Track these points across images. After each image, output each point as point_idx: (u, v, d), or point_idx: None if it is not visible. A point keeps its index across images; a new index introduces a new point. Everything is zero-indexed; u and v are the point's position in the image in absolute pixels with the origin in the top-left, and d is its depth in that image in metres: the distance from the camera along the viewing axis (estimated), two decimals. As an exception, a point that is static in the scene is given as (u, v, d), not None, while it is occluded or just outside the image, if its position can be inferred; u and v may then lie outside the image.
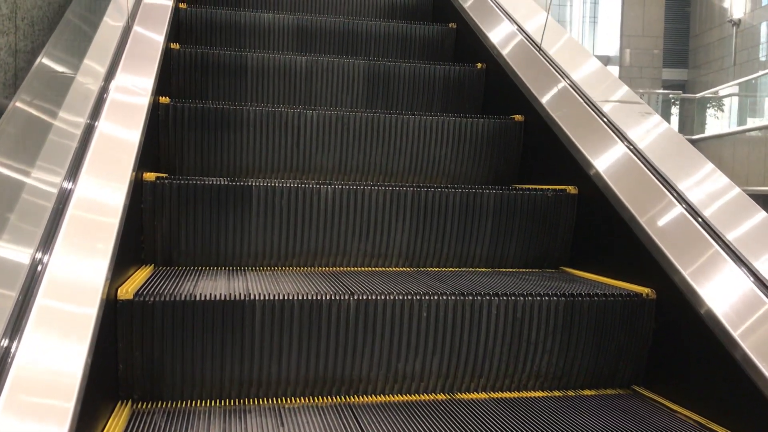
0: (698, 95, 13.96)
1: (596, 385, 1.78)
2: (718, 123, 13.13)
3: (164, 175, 1.99)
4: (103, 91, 1.90)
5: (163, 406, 1.54)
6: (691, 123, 13.20)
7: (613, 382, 1.79)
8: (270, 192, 2.01)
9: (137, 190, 1.85)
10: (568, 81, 2.45)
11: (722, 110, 13.16)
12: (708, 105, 13.65)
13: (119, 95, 1.93)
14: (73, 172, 1.53)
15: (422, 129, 2.52)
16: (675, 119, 13.63)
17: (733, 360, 1.47)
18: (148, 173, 1.94)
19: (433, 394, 1.69)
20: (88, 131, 1.70)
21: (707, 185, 1.89)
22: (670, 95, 14.31)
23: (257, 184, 2.00)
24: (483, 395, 1.70)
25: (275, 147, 2.43)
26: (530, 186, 2.26)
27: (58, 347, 1.14)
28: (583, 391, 1.76)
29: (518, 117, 2.61)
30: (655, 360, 1.76)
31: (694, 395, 1.62)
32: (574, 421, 1.53)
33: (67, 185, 1.49)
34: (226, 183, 1.98)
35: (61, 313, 1.20)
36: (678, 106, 13.96)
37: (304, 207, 2.03)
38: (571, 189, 2.19)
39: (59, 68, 1.84)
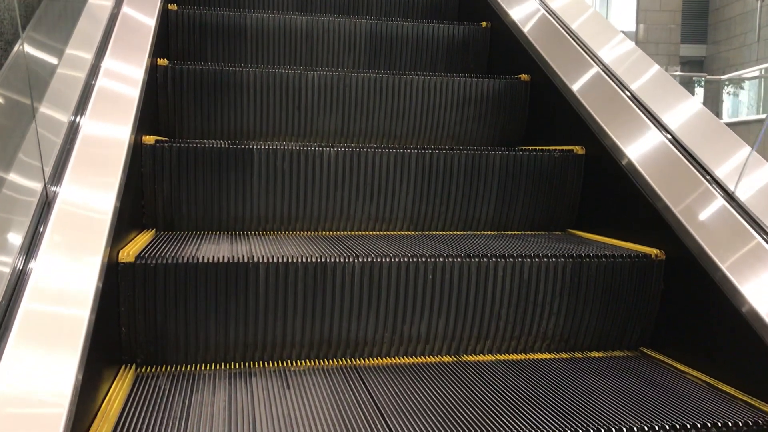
0: (725, 77, 12.81)
1: (604, 347, 1.77)
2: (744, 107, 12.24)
3: (164, 138, 1.95)
4: (100, 51, 1.86)
5: (168, 369, 1.53)
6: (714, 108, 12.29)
7: (621, 344, 1.77)
8: (272, 155, 1.97)
9: (137, 153, 1.81)
10: (575, 40, 2.39)
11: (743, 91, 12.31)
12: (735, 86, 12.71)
13: (115, 57, 1.89)
14: (69, 137, 1.50)
15: (426, 90, 2.47)
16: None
17: (743, 320, 1.45)
18: (148, 136, 1.90)
19: (439, 356, 1.68)
20: (86, 92, 1.67)
21: (719, 145, 1.85)
22: (693, 78, 12.98)
23: (258, 147, 1.96)
24: (489, 357, 1.69)
25: (276, 110, 2.38)
26: (536, 147, 2.22)
27: (58, 310, 1.12)
28: (590, 353, 1.74)
29: (524, 76, 2.56)
30: (664, 322, 1.74)
31: (702, 356, 1.61)
32: (582, 383, 1.52)
33: (65, 148, 1.46)
34: (226, 146, 1.95)
35: (60, 275, 1.17)
36: (702, 87, 12.78)
37: (307, 170, 2.00)
38: (579, 149, 2.15)
39: (55, 29, 1.80)
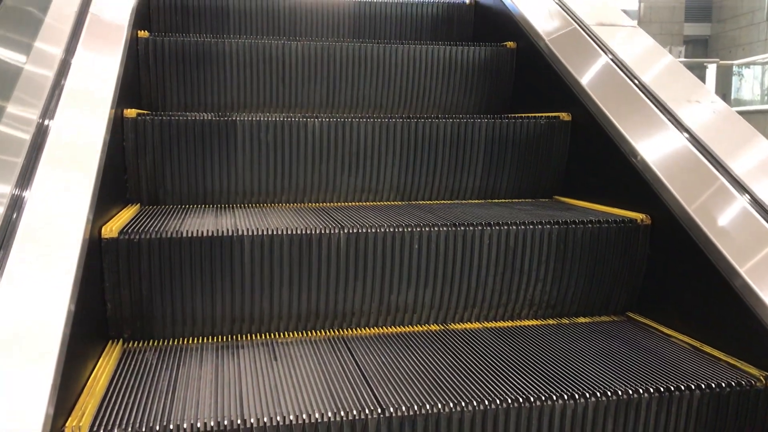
0: (737, 61, 11.66)
1: (591, 312, 1.78)
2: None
3: (146, 112, 1.93)
4: (77, 25, 1.82)
5: (155, 344, 1.52)
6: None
7: (608, 309, 1.78)
8: (255, 126, 1.95)
9: (118, 127, 1.79)
10: (561, 6, 2.37)
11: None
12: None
13: (94, 28, 1.85)
14: (47, 110, 1.48)
15: (412, 59, 2.45)
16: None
17: (727, 283, 1.46)
18: (129, 110, 1.88)
19: (426, 325, 1.69)
20: (63, 66, 1.64)
21: (705, 112, 1.85)
22: (705, 63, 12.01)
23: (242, 119, 1.94)
24: (477, 325, 1.69)
25: (260, 82, 2.36)
26: (522, 114, 2.21)
27: (39, 287, 1.11)
28: (577, 319, 1.75)
29: (510, 44, 2.54)
30: (650, 286, 1.75)
31: (688, 319, 1.62)
32: (568, 348, 1.53)
33: (42, 122, 1.44)
34: (209, 118, 1.92)
35: (40, 253, 1.17)
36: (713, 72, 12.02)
37: (291, 141, 1.98)
38: (564, 116, 2.14)
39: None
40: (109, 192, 1.62)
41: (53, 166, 1.35)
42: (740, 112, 1.85)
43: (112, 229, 1.48)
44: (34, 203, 1.24)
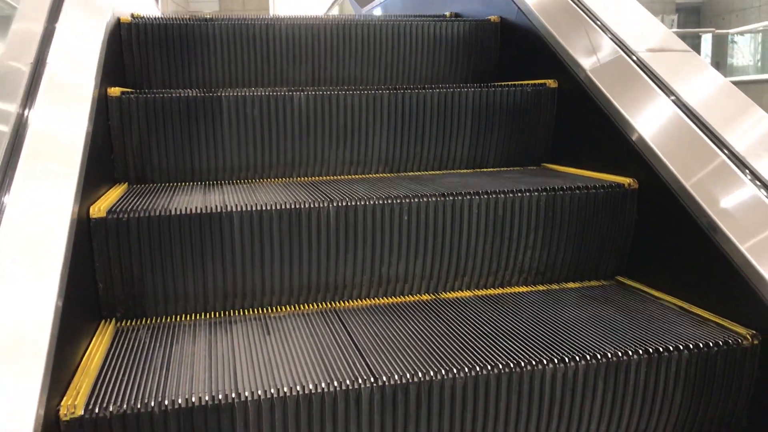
0: (733, 30, 11.22)
1: (580, 277, 1.79)
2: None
3: (130, 90, 1.91)
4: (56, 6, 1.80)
5: (147, 322, 1.53)
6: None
7: (597, 274, 1.80)
8: (241, 102, 1.94)
9: (102, 106, 1.78)
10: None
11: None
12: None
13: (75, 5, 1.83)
14: (29, 92, 1.47)
15: (397, 34, 2.43)
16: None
17: (714, 245, 1.47)
18: (113, 88, 1.86)
19: (417, 295, 1.70)
20: (45, 39, 1.62)
21: (694, 78, 1.85)
22: (699, 33, 10.79)
23: (228, 94, 1.93)
24: (467, 293, 1.71)
25: (245, 62, 2.34)
26: (509, 82, 2.20)
27: (28, 269, 1.11)
28: (566, 284, 1.77)
29: (494, 18, 2.52)
30: (639, 250, 1.77)
31: (676, 282, 1.63)
32: (558, 314, 1.54)
33: (25, 104, 1.43)
34: (195, 95, 1.91)
35: (27, 234, 1.16)
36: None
37: (278, 116, 1.97)
38: (551, 83, 2.13)
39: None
40: (96, 171, 1.61)
41: (37, 147, 1.34)
42: (735, 83, 1.84)
43: (100, 208, 1.48)
44: (19, 185, 1.24)
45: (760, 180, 1.49)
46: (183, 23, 2.26)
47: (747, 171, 1.52)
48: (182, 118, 1.91)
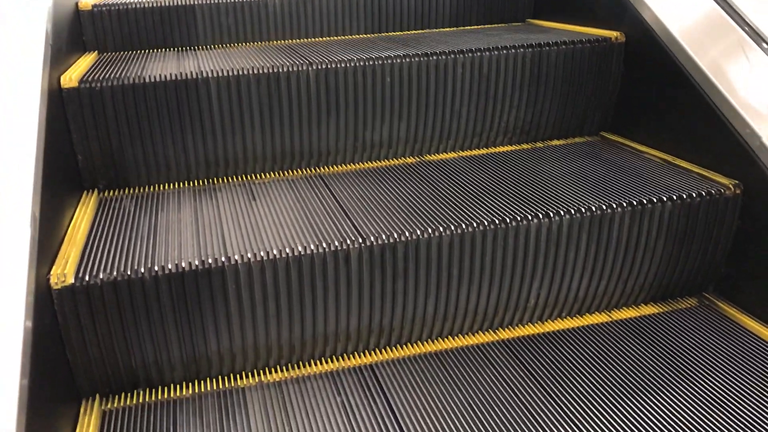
0: None
1: (565, 135, 1.78)
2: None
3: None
4: None
5: (131, 192, 1.52)
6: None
7: (582, 130, 1.79)
8: (215, 10, 1.85)
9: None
10: None
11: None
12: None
13: None
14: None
15: None
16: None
17: (701, 96, 1.45)
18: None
19: (402, 158, 1.69)
20: None
21: None
22: None
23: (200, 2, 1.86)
24: (452, 155, 1.70)
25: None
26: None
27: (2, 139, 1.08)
28: (551, 142, 1.76)
29: None
30: (624, 105, 1.75)
31: (661, 135, 1.63)
32: (542, 171, 1.54)
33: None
34: (167, 4, 1.82)
35: (-3, 102, 1.12)
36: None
37: (252, 20, 1.89)
38: (537, -68, 2.03)
39: None
40: (66, 39, 1.54)
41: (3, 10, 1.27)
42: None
43: (71, 78, 1.43)
44: (-17, 53, 1.18)
45: (749, 26, 1.45)
46: None
47: (745, 23, 1.47)
48: (155, 27, 1.83)
